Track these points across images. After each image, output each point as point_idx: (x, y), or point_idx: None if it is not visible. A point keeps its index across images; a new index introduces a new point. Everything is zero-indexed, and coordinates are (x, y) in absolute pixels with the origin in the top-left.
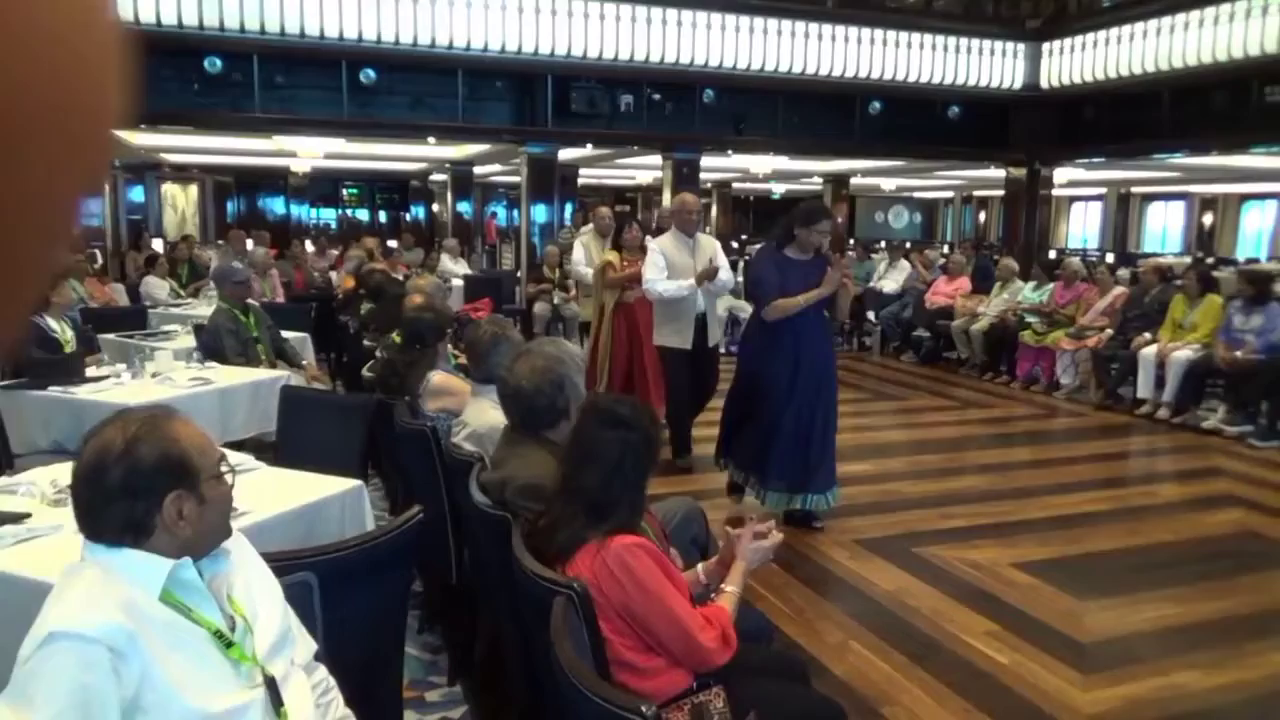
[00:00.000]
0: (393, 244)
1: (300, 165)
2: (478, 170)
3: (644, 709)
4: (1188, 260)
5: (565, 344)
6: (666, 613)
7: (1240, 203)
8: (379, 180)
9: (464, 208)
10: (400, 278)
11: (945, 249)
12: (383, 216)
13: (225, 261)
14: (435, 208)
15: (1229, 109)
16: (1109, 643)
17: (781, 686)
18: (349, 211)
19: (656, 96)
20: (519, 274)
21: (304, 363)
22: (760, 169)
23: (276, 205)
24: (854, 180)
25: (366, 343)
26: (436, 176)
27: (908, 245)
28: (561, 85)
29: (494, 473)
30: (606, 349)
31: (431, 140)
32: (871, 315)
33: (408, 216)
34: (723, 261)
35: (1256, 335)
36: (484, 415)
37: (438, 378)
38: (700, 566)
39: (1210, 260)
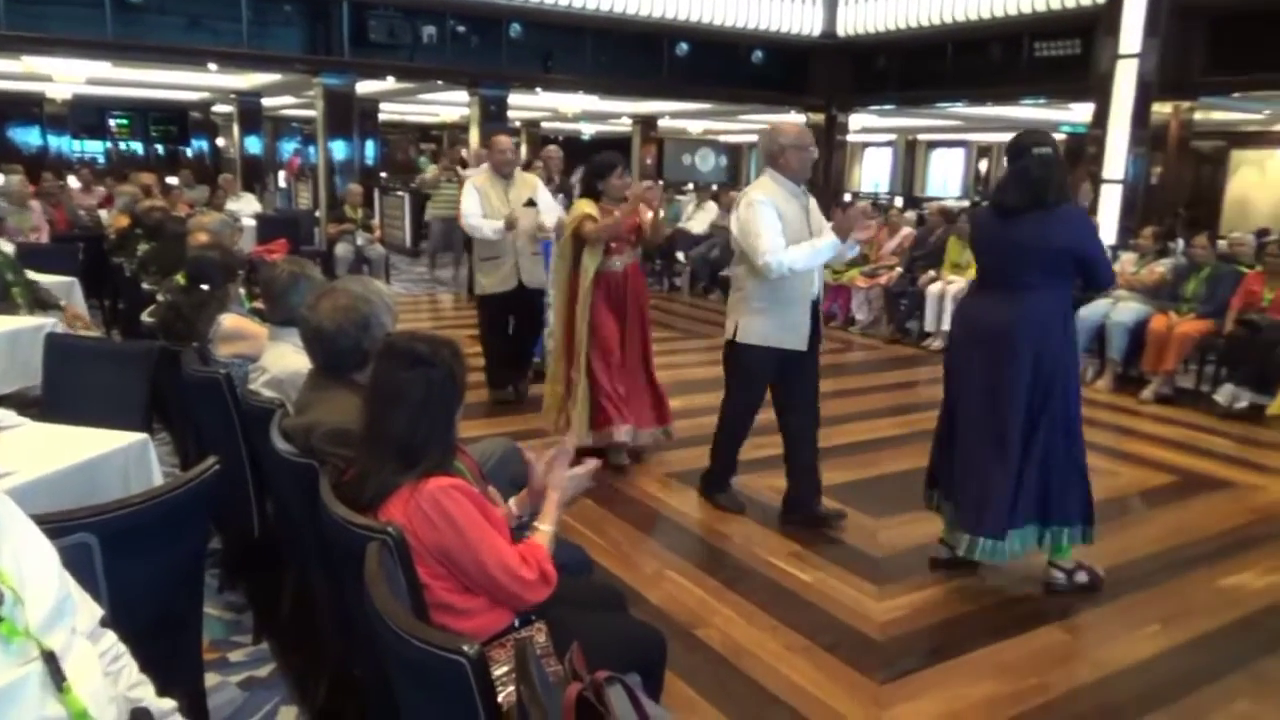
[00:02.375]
0: (172, 180)
1: (58, 91)
2: (267, 102)
3: (466, 648)
4: (966, 203)
5: (373, 282)
6: (484, 553)
7: None
8: (154, 110)
9: (253, 143)
10: (182, 216)
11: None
12: (160, 150)
13: None
14: (220, 142)
15: (1004, 62)
16: (900, 555)
17: (602, 617)
18: (120, 144)
19: (461, 29)
20: (318, 214)
21: (61, 304)
22: (570, 108)
23: (30, 136)
24: (662, 122)
25: (146, 286)
26: (221, 108)
27: (714, 188)
28: (358, 12)
29: (298, 419)
30: (585, 332)
31: (213, 67)
32: (681, 256)
33: (189, 151)
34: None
35: None
36: (284, 360)
37: (229, 321)
38: (512, 500)
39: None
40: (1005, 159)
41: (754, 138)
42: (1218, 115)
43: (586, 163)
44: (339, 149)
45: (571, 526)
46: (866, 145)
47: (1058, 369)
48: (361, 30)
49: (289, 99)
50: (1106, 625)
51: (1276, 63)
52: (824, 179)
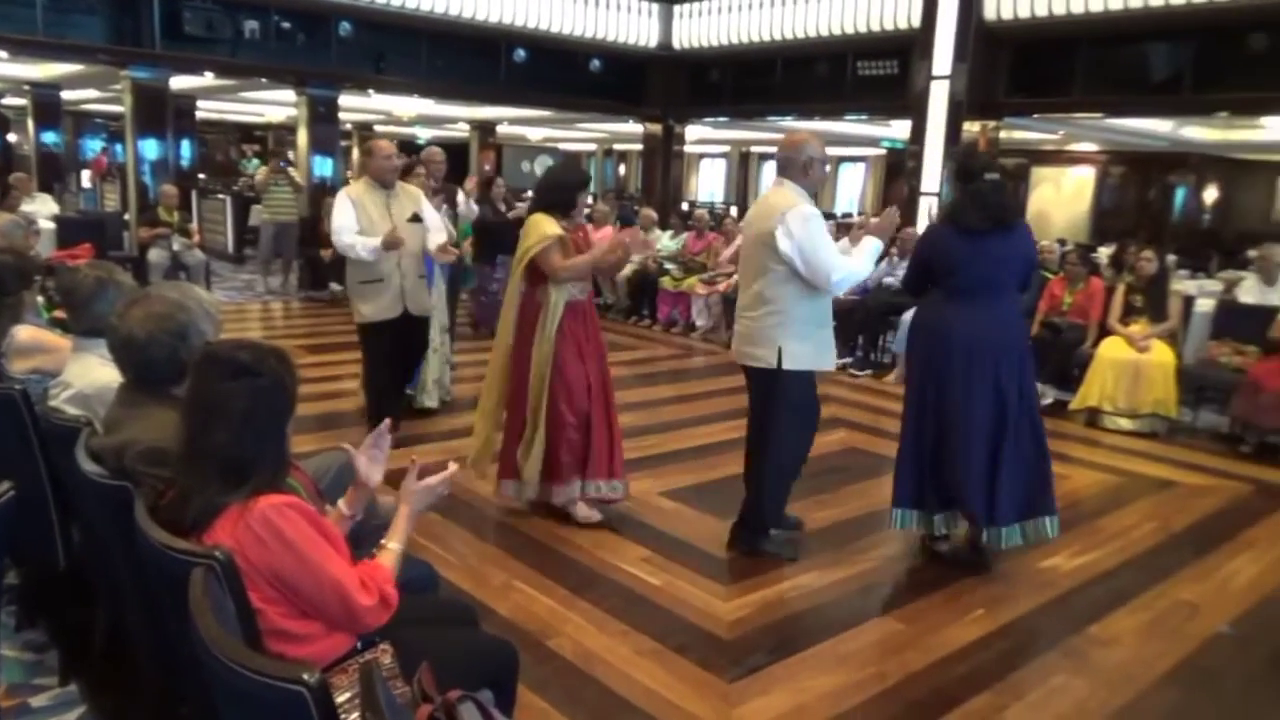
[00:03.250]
0: None
1: None
2: (67, 95)
3: (306, 676)
4: None
5: (191, 288)
6: (320, 575)
7: (838, 164)
8: None
9: (51, 138)
10: None
11: (590, 199)
12: None
13: None
14: (12, 137)
15: (829, 80)
16: (745, 555)
17: (451, 634)
18: None
19: (287, 25)
20: (127, 217)
21: None
22: (405, 112)
23: None
24: (500, 129)
25: None
26: (13, 100)
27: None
28: (171, 3)
29: (108, 438)
30: (548, 374)
31: (2, 55)
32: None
33: None
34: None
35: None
36: (91, 373)
37: (24, 333)
38: (341, 501)
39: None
40: (954, 177)
41: (593, 146)
42: (1020, 134)
43: (548, 172)
44: (150, 148)
45: (415, 541)
46: (703, 156)
47: (1028, 363)
48: (175, 22)
49: (93, 92)
50: (937, 613)
51: (1068, 88)
52: (662, 188)
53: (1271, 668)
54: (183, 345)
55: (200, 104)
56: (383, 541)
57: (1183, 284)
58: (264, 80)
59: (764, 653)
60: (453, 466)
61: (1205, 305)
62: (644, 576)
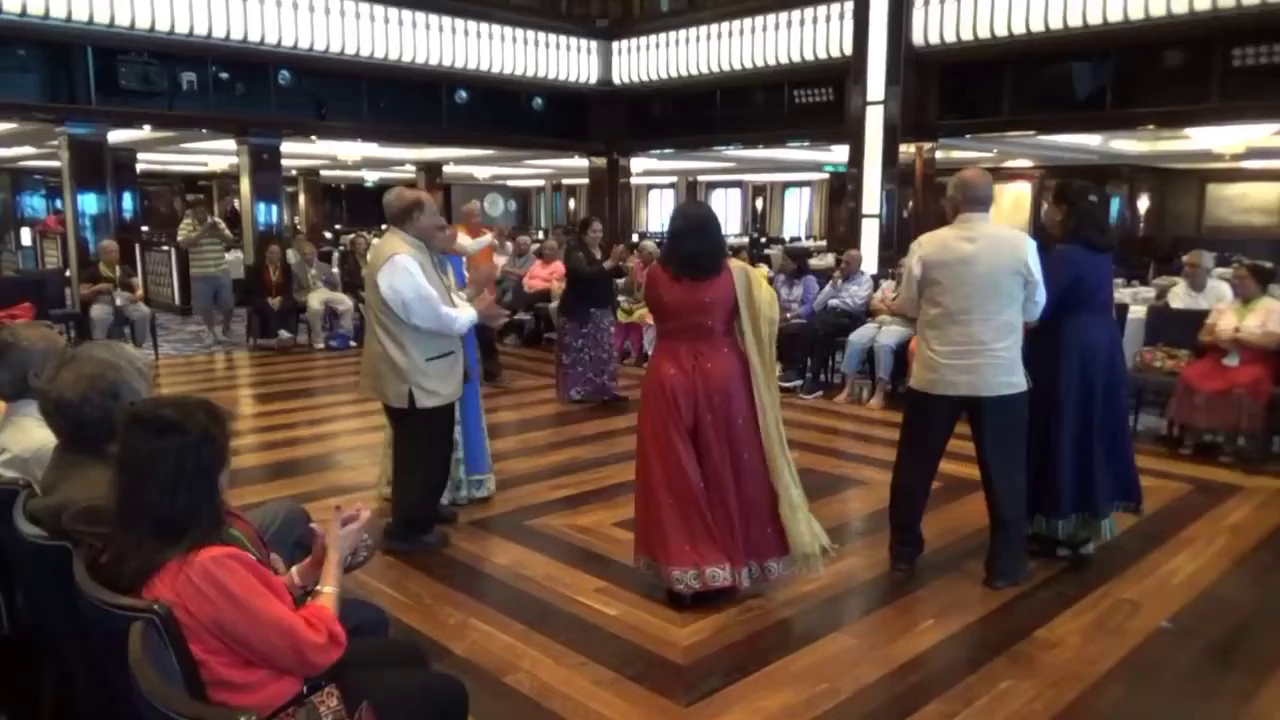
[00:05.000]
0: None
1: None
2: (3, 153)
3: (243, 719)
4: (745, 240)
5: (121, 346)
6: (265, 621)
7: (784, 189)
8: None
9: None
10: None
11: (540, 234)
12: None
13: None
14: None
15: (768, 108)
16: None
17: (398, 673)
18: None
19: (225, 75)
20: (68, 273)
21: None
22: (349, 156)
23: None
24: (447, 168)
25: None
26: None
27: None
28: (106, 58)
29: (47, 499)
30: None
31: None
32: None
33: None
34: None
35: (799, 304)
36: (27, 436)
37: None
38: (294, 569)
39: (763, 239)
40: (1057, 199)
41: (541, 182)
42: (956, 154)
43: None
44: (90, 202)
45: (370, 585)
46: (651, 187)
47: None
48: (111, 76)
49: (29, 149)
50: (888, 626)
51: (997, 108)
52: (611, 220)
53: (1209, 659)
54: (115, 404)
55: (141, 156)
56: (316, 588)
57: (1118, 292)
58: (204, 131)
59: (719, 675)
60: (365, 513)
61: (1138, 312)
62: (599, 607)
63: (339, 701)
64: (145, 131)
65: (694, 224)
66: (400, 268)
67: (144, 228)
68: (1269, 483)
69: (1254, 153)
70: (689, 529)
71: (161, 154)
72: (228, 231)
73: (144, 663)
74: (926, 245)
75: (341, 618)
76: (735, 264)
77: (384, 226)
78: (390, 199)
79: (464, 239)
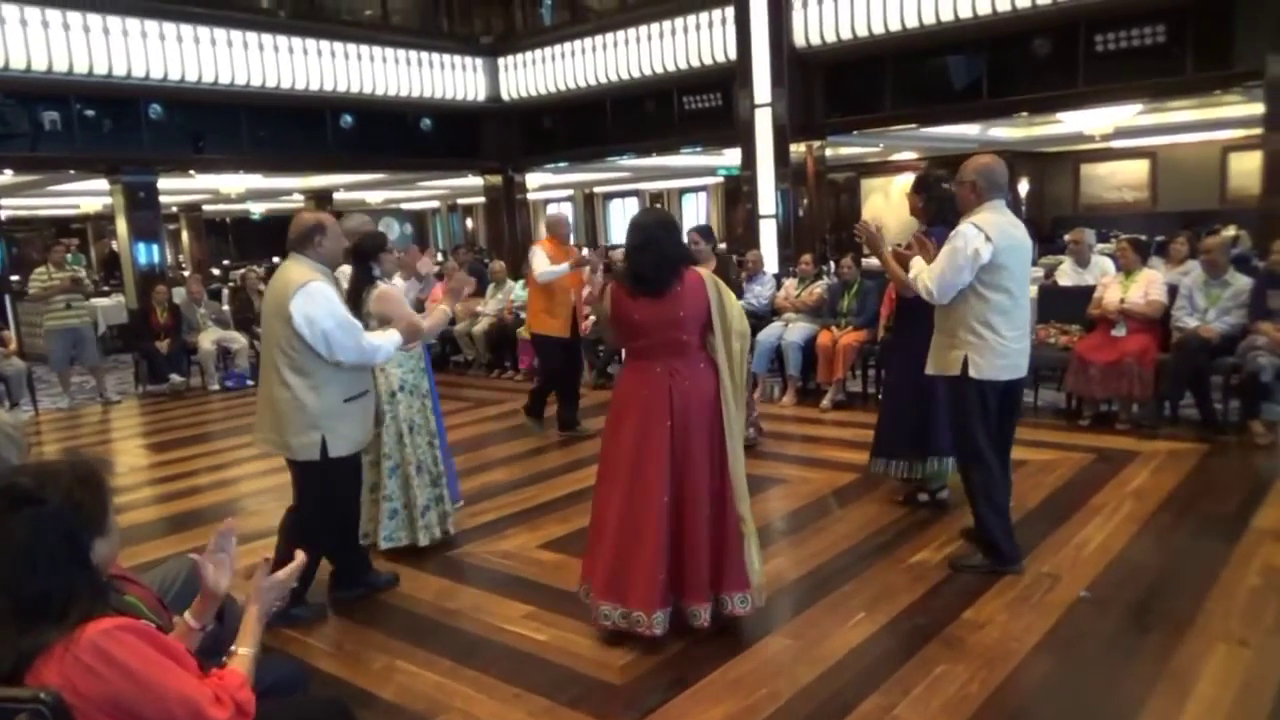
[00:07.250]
0: None
1: None
2: None
3: None
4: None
5: None
6: (165, 695)
7: (680, 195)
8: None
9: None
10: None
11: (440, 256)
12: None
13: None
14: None
15: (659, 116)
16: None
17: None
18: None
19: (90, 113)
20: None
21: None
22: (232, 189)
23: None
24: (338, 195)
25: None
26: None
27: (399, 255)
28: None
29: None
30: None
31: None
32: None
33: None
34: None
35: None
36: None
37: None
38: (186, 614)
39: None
40: (915, 190)
41: (436, 204)
42: (845, 150)
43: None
44: None
45: (284, 634)
46: (548, 201)
47: None
48: None
49: None
50: (821, 623)
51: (880, 104)
52: (510, 237)
53: (1127, 624)
54: None
55: (5, 201)
56: (232, 648)
57: None
58: (72, 171)
59: (658, 692)
60: (294, 563)
61: (1030, 291)
62: (529, 634)
63: None
64: (8, 176)
65: (644, 236)
66: (316, 294)
67: (14, 277)
68: (1163, 445)
69: (1121, 132)
70: (633, 566)
71: (27, 198)
72: (89, 283)
73: None
74: (992, 231)
75: (255, 678)
76: (705, 273)
77: (275, 260)
78: (293, 226)
79: (541, 259)
